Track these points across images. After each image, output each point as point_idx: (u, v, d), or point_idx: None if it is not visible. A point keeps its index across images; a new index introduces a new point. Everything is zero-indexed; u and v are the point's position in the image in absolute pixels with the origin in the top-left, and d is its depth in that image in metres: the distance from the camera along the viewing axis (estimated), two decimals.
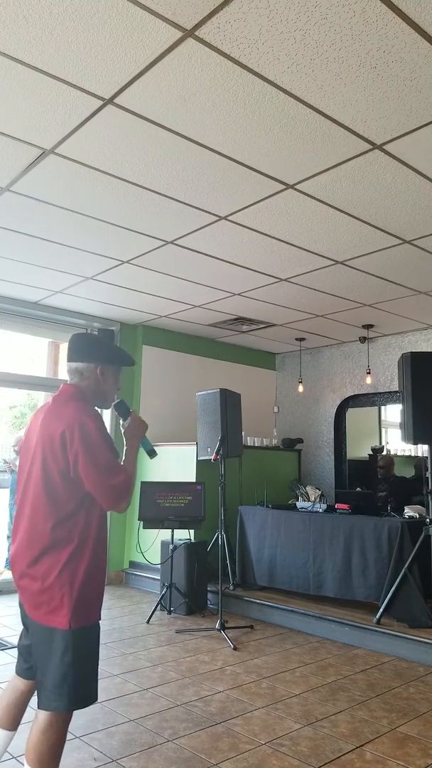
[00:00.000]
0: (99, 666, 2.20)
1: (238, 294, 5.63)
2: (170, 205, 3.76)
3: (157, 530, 5.66)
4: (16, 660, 2.33)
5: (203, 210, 3.82)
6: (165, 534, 5.63)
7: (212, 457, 5.03)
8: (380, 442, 7.73)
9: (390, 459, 6.81)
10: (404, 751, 2.86)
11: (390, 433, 7.76)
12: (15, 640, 4.44)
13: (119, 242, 4.39)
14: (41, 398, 7.35)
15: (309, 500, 5.79)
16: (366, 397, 7.41)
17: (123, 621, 5.09)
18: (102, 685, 2.16)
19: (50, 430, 2.12)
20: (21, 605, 2.19)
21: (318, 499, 5.75)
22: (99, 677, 2.19)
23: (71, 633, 2.02)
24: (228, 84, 2.57)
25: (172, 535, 5.42)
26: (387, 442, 7.73)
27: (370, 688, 3.70)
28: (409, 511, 4.96)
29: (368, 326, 6.67)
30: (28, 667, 2.23)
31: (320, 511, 5.41)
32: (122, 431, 2.40)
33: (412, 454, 7.12)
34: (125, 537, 6.67)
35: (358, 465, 7.47)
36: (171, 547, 5.40)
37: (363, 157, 3.15)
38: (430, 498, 4.75)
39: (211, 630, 4.80)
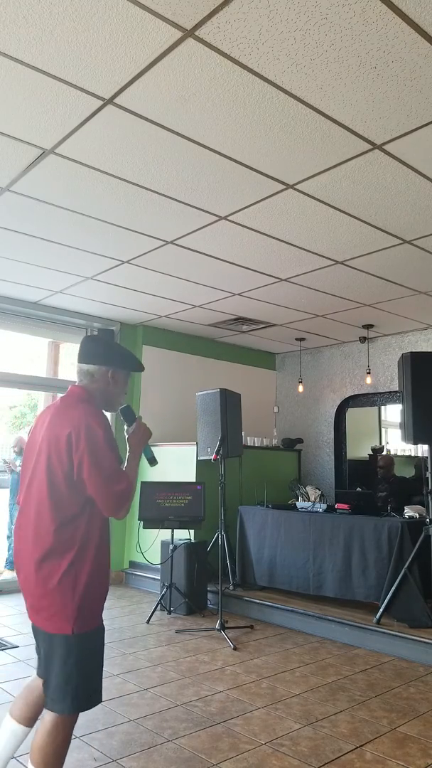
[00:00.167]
0: None
1: (238, 294, 5.63)
2: (170, 205, 3.76)
3: (157, 530, 5.66)
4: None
5: (203, 210, 3.82)
6: (165, 534, 5.63)
7: (212, 457, 5.03)
8: (380, 442, 7.73)
9: (390, 459, 6.81)
10: (404, 751, 2.86)
11: (390, 433, 7.76)
12: (15, 640, 4.44)
13: (119, 242, 4.39)
14: (41, 398, 7.35)
15: (309, 500, 5.79)
16: (366, 397, 7.41)
17: (123, 621, 5.09)
18: (102, 685, 2.16)
19: (56, 432, 2.10)
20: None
21: (318, 499, 5.75)
22: None
23: (74, 638, 2.02)
24: (228, 84, 2.57)
25: (172, 535, 5.42)
26: (387, 442, 7.73)
27: (370, 688, 3.70)
28: (409, 511, 4.96)
29: (368, 326, 6.68)
30: None
31: (320, 511, 5.41)
32: (126, 437, 2.37)
33: (412, 454, 7.12)
34: (125, 537, 6.66)
35: (358, 465, 7.47)
36: (171, 547, 5.40)
37: (363, 157, 3.15)
38: (430, 498, 4.75)
39: (211, 630, 4.80)
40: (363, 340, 7.19)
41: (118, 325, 6.76)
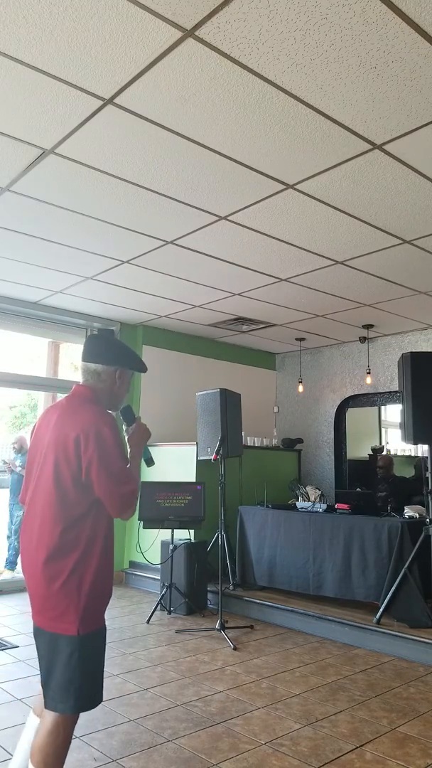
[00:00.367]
0: None
1: (238, 294, 5.63)
2: (170, 205, 3.76)
3: (157, 530, 5.66)
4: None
5: (203, 210, 3.82)
6: (165, 534, 5.63)
7: (212, 457, 5.03)
8: (380, 442, 7.73)
9: (390, 459, 6.81)
10: (404, 751, 2.86)
11: (390, 433, 7.76)
12: (15, 640, 4.44)
13: (119, 242, 4.39)
14: (41, 398, 7.34)
15: (309, 500, 5.79)
16: (366, 397, 7.41)
17: (123, 621, 5.09)
18: (103, 685, 2.16)
19: (64, 433, 2.09)
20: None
21: (318, 499, 5.75)
22: None
23: (79, 639, 2.02)
24: (228, 84, 2.57)
25: (172, 535, 5.42)
26: (387, 442, 7.73)
27: (370, 688, 3.70)
28: (409, 511, 4.96)
29: (368, 326, 6.68)
30: None
31: (320, 511, 5.41)
32: (125, 437, 2.37)
33: (412, 454, 7.12)
34: (125, 537, 6.66)
35: (358, 465, 7.47)
36: (171, 547, 5.40)
37: (363, 157, 3.15)
38: (430, 498, 4.75)
39: (211, 630, 4.80)
40: (363, 340, 7.19)
41: (118, 325, 6.76)
